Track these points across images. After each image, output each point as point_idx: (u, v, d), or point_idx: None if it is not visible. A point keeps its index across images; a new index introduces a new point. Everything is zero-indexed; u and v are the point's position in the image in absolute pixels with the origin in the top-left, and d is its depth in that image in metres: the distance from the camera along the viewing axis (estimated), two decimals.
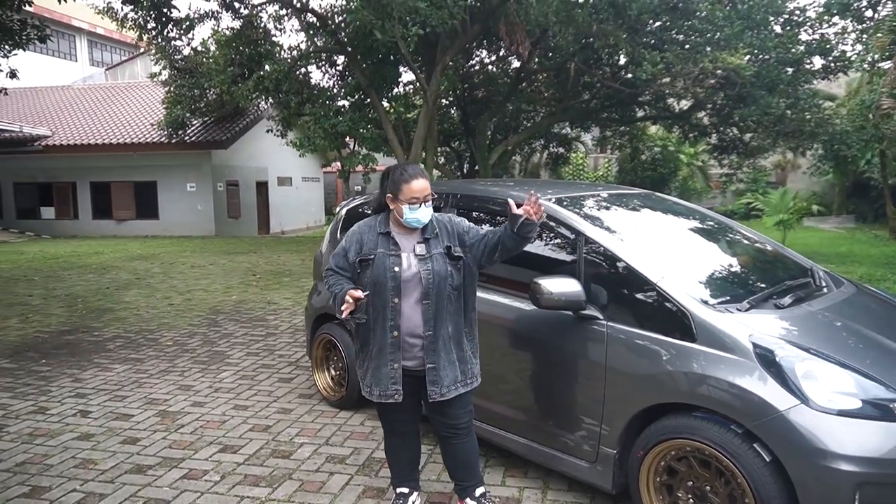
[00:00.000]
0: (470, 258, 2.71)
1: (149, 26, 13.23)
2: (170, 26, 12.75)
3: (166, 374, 5.19)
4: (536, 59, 14.55)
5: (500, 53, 16.00)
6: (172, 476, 3.38)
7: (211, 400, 4.57)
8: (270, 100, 15.05)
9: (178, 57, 15.25)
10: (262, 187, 21.99)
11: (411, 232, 2.72)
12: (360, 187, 26.19)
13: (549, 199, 3.31)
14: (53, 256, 13.55)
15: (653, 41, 12.96)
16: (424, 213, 2.65)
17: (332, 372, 4.46)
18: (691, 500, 2.55)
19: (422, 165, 2.85)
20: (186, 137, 18.03)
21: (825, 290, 3.14)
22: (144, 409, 4.42)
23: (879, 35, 13.59)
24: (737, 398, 2.39)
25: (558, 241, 3.16)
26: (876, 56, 15.78)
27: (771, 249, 3.64)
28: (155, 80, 16.93)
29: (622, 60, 14.32)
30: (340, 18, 13.18)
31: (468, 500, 2.84)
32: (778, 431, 2.29)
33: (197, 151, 18.73)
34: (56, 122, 20.70)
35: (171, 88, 16.35)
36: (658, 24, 12.98)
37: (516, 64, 15.70)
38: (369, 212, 4.57)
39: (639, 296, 2.76)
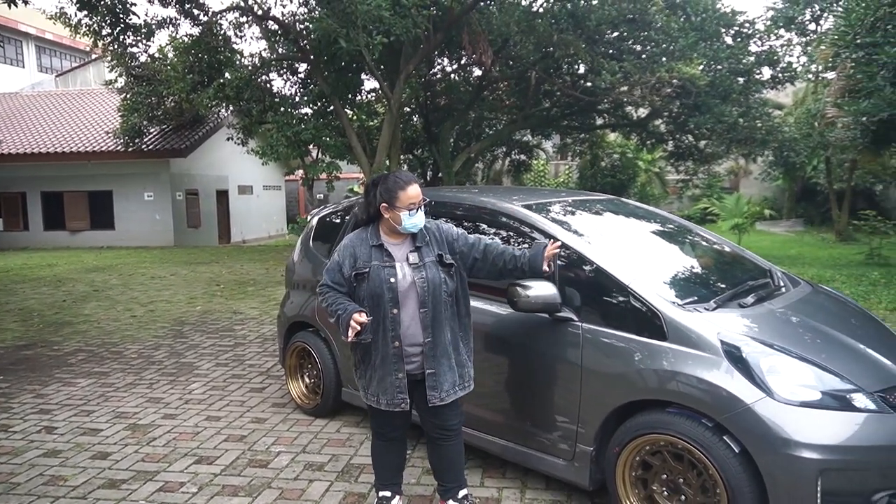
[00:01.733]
0: (460, 264, 2.78)
1: (104, 32, 12.94)
2: (128, 32, 12.47)
3: (133, 388, 5.09)
4: (498, 68, 14.77)
5: (462, 62, 16.18)
6: (148, 489, 3.33)
7: (182, 412, 4.50)
8: (231, 107, 14.87)
9: (135, 64, 14.92)
10: (222, 196, 21.62)
11: (403, 241, 2.76)
12: (321, 195, 26.00)
13: (522, 205, 3.41)
14: (3, 269, 13.06)
15: (611, 51, 13.33)
16: (421, 218, 2.71)
17: (307, 380, 4.45)
18: (665, 493, 2.66)
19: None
20: (144, 146, 17.63)
21: (783, 289, 3.31)
22: (113, 423, 4.33)
23: (823, 48, 14.28)
24: (707, 393, 2.51)
25: None
26: (820, 67, 16.56)
27: (732, 251, 3.81)
28: (110, 87, 16.53)
29: (581, 69, 14.66)
30: (303, 26, 13.14)
31: (451, 501, 2.89)
32: (746, 423, 2.41)
33: (155, 160, 18.32)
34: (3, 130, 19.96)
35: (128, 96, 15.99)
36: (616, 34, 13.35)
37: (478, 72, 15.90)
38: (331, 222, 4.67)
39: (611, 297, 2.86)
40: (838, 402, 2.44)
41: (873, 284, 8.86)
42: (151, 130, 17.98)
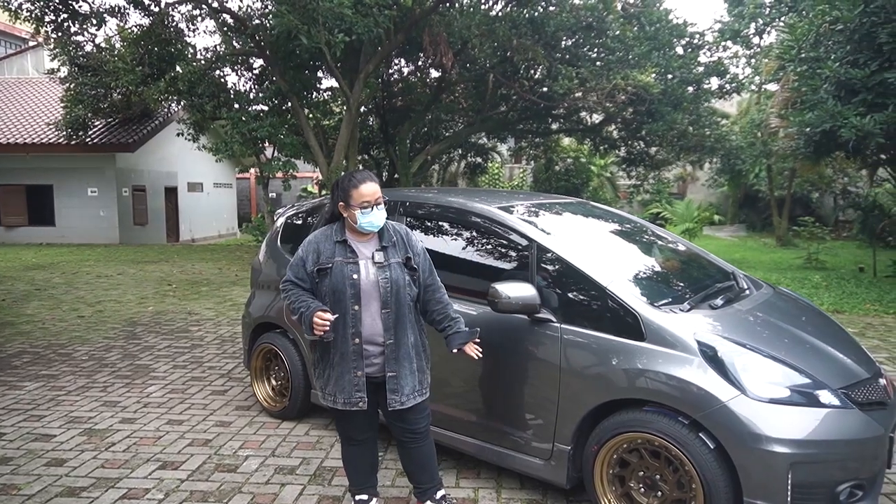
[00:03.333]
0: None
1: (47, 19, 12.35)
2: (76, 20, 11.92)
3: (86, 391, 4.87)
4: (457, 71, 14.84)
5: (420, 63, 16.17)
6: (110, 497, 3.20)
7: (141, 416, 4.34)
8: (183, 102, 14.42)
9: (80, 53, 14.28)
10: (171, 193, 20.91)
11: (369, 239, 2.75)
12: (275, 194, 25.52)
13: (497, 207, 3.43)
14: None
15: (568, 57, 13.57)
16: (377, 217, 2.69)
17: (273, 382, 4.36)
18: (642, 490, 2.72)
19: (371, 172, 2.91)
20: (88, 139, 16.85)
21: (748, 291, 3.44)
22: (67, 428, 4.13)
23: (767, 61, 14.94)
24: (684, 391, 2.58)
25: (511, 247, 3.27)
26: (764, 79, 17.31)
27: (697, 255, 3.93)
28: (52, 76, 15.77)
29: (539, 74, 14.86)
30: (258, 21, 12.86)
31: (428, 502, 2.88)
32: (721, 420, 2.49)
33: (100, 154, 17.56)
34: None
35: (71, 86, 15.26)
36: (573, 41, 13.59)
37: (436, 74, 15.93)
38: (299, 222, 4.60)
39: (590, 299, 2.91)
40: (806, 398, 2.55)
41: (815, 287, 9.31)
42: (96, 123, 17.22)
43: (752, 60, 18.31)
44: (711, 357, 2.59)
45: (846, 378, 2.73)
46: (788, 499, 2.42)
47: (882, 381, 2.86)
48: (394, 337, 2.68)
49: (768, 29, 18.60)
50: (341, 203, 2.71)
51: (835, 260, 13.70)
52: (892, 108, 8.03)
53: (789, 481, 2.41)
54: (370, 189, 2.67)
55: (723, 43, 15.26)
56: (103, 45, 14.09)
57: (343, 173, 2.84)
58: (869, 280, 10.28)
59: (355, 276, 2.66)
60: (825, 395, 2.57)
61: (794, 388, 2.57)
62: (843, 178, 19.91)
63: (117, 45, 13.92)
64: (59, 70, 15.06)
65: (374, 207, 2.66)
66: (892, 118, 7.99)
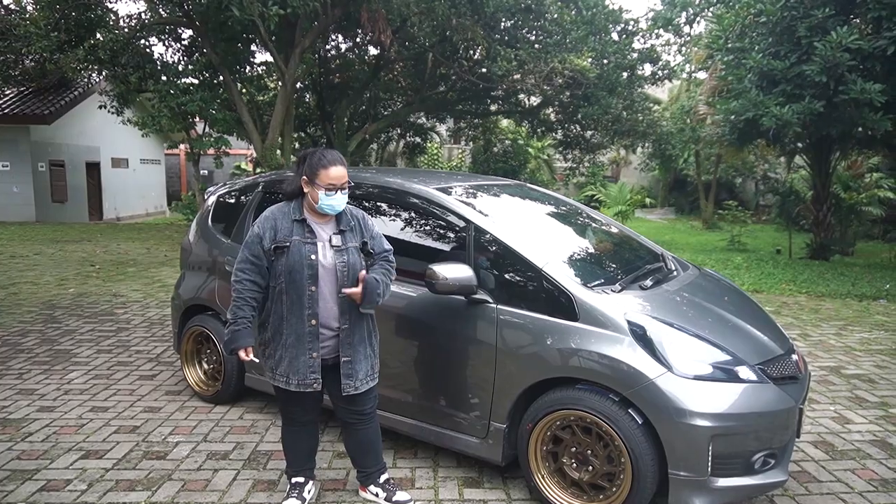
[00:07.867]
0: None
1: None
2: None
3: None
4: (395, 49, 14.63)
5: (358, 40, 15.85)
6: (27, 489, 3.03)
7: (61, 403, 4.13)
8: (104, 72, 13.62)
9: None
10: (93, 169, 19.80)
11: (327, 221, 2.71)
12: (206, 172, 24.58)
13: (436, 188, 3.42)
14: None
15: (507, 38, 13.61)
16: (339, 201, 2.65)
17: (205, 366, 4.24)
18: (574, 465, 2.81)
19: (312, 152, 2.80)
20: None
21: (675, 273, 3.58)
22: None
23: (697, 49, 15.45)
24: (614, 370, 2.67)
25: (449, 229, 3.27)
26: (693, 67, 17.91)
27: (630, 237, 4.05)
28: None
29: (478, 55, 14.86)
30: None
31: (372, 486, 2.89)
32: (649, 397, 2.60)
33: (11, 126, 16.38)
34: None
35: None
36: (511, 22, 13.63)
37: (374, 52, 15.67)
38: (231, 201, 4.45)
39: (526, 280, 2.96)
40: (726, 374, 2.69)
41: (737, 268, 9.81)
42: (7, 92, 16.08)
43: (683, 49, 18.89)
44: (641, 336, 2.69)
45: (763, 354, 2.89)
46: (709, 469, 2.55)
47: (794, 357, 3.05)
48: (349, 321, 2.66)
49: (698, 18, 19.24)
50: (305, 178, 2.65)
51: (755, 242, 14.48)
52: (808, 99, 8.48)
53: (710, 452, 2.55)
54: (339, 172, 2.62)
55: (656, 30, 15.66)
56: (13, 6, 13.10)
57: (311, 149, 2.74)
58: (785, 261, 10.92)
59: (313, 257, 2.61)
60: (744, 371, 2.72)
61: (716, 365, 2.70)
62: (763, 165, 20.97)
63: (29, 8, 12.98)
64: None
65: (339, 191, 2.62)
66: (808, 109, 8.45)
